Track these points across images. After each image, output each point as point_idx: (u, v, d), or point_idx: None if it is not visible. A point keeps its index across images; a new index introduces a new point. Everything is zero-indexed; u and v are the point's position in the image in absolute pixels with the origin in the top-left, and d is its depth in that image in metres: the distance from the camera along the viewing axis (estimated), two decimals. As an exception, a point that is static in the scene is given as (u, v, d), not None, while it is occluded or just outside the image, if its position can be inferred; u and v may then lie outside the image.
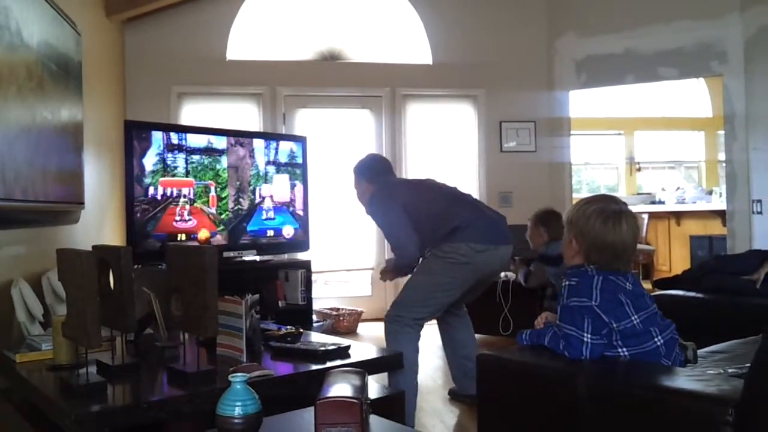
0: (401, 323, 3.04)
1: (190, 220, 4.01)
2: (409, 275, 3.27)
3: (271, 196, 4.46)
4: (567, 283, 1.89)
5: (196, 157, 4.08)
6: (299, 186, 4.63)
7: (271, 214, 4.46)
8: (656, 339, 1.82)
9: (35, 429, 2.07)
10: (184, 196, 3.99)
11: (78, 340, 2.02)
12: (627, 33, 5.95)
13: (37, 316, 2.89)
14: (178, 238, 3.94)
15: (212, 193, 4.16)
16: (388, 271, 3.38)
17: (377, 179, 3.41)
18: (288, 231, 4.54)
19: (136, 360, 2.31)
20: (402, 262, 3.27)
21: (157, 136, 3.91)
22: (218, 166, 4.18)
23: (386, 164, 3.58)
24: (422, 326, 3.11)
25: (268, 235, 4.44)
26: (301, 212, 4.64)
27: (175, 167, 3.97)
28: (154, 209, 3.85)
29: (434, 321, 3.53)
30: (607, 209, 1.93)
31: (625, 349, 1.81)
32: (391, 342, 3.02)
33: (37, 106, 3.05)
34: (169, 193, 3.92)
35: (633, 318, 1.82)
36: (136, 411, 1.88)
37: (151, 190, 3.85)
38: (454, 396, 3.53)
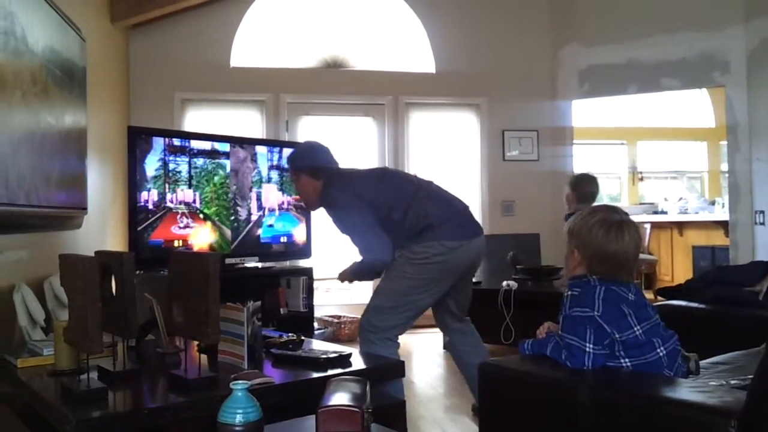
0: (377, 335, 2.83)
1: (192, 227, 4.01)
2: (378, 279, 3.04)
3: (274, 203, 4.47)
4: (569, 293, 1.89)
5: (199, 163, 4.08)
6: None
7: (274, 220, 4.46)
8: (659, 350, 1.81)
9: (35, 435, 2.07)
10: (186, 203, 3.99)
11: (79, 346, 2.02)
12: (629, 43, 5.97)
13: (39, 321, 2.89)
14: (175, 245, 3.93)
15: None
16: (347, 273, 3.09)
17: (322, 172, 3.04)
18: (288, 238, 4.54)
19: (138, 366, 2.31)
20: (367, 267, 3.00)
21: (161, 143, 3.91)
22: (221, 173, 4.19)
23: (328, 152, 3.16)
24: (399, 335, 2.90)
25: (268, 242, 4.44)
26: (303, 219, 4.63)
27: (178, 173, 3.98)
28: (156, 215, 3.86)
29: (437, 330, 3.45)
30: (609, 219, 1.93)
31: (627, 360, 1.81)
32: (366, 350, 2.82)
33: (42, 111, 3.06)
34: (170, 200, 3.92)
35: (635, 329, 1.81)
36: (137, 417, 1.88)
37: (154, 196, 3.85)
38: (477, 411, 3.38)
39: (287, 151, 4.59)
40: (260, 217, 4.37)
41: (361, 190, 2.94)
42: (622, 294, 1.86)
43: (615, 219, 1.93)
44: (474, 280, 3.27)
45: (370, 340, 2.84)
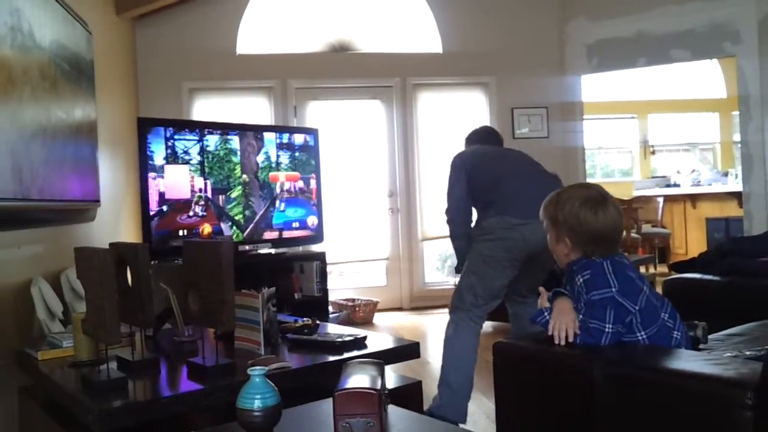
0: (460, 314, 2.93)
1: (203, 215, 4.04)
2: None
3: (289, 188, 4.49)
4: (581, 279, 1.86)
5: (210, 150, 4.10)
6: (313, 179, 4.65)
7: (284, 206, 4.48)
8: (662, 314, 1.85)
9: (59, 425, 2.10)
10: (201, 190, 4.02)
11: (98, 337, 2.05)
12: (638, 15, 5.90)
13: (57, 314, 2.93)
14: (180, 234, 3.96)
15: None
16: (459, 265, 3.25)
17: (468, 145, 3.45)
18: (300, 223, 4.56)
19: (156, 355, 2.34)
20: (451, 232, 3.20)
21: (171, 132, 3.93)
22: (232, 160, 4.20)
23: (484, 133, 3.52)
24: (483, 317, 2.97)
25: (294, 226, 4.48)
26: (315, 204, 4.65)
27: (189, 161, 4.00)
28: (168, 206, 3.88)
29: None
30: (590, 198, 1.90)
31: (643, 333, 1.82)
32: (449, 335, 2.93)
33: (51, 106, 3.08)
34: (182, 190, 3.94)
35: (644, 288, 1.84)
36: (157, 405, 1.91)
37: (164, 187, 3.87)
38: None
39: (296, 137, 4.62)
40: (272, 204, 4.39)
41: (466, 160, 3.18)
42: (624, 262, 1.89)
43: (594, 196, 1.91)
44: None
45: (454, 320, 2.96)
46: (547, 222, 2.00)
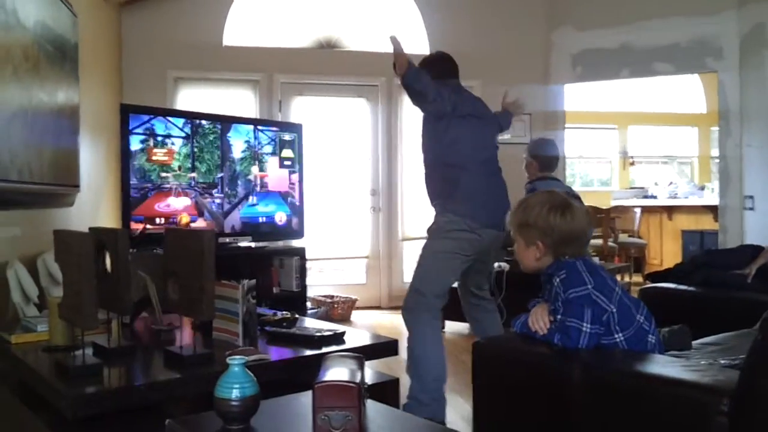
0: (420, 304, 2.89)
1: (186, 204, 4.01)
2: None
3: (265, 183, 4.47)
4: (558, 279, 1.89)
5: (192, 141, 4.07)
6: (295, 174, 4.63)
7: (257, 200, 4.46)
8: (638, 316, 1.88)
9: (31, 410, 2.07)
10: (179, 181, 3.98)
11: (74, 322, 2.02)
12: (623, 28, 5.96)
13: (33, 298, 2.89)
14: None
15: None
16: (401, 51, 3.25)
17: (441, 80, 3.21)
18: (280, 217, 4.54)
19: (132, 343, 2.31)
20: (415, 82, 3.18)
21: (154, 120, 3.90)
22: (215, 152, 4.18)
23: (455, 66, 3.45)
24: (442, 305, 2.97)
25: (260, 221, 4.43)
26: (296, 199, 4.64)
27: (171, 149, 3.96)
28: (147, 192, 3.85)
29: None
30: (556, 202, 1.98)
31: (621, 335, 1.84)
32: (411, 326, 2.90)
33: (34, 87, 3.03)
34: (163, 177, 3.91)
35: (616, 288, 1.88)
36: (132, 393, 1.89)
37: (146, 174, 3.84)
38: None
39: (281, 131, 4.60)
40: (246, 196, 4.36)
41: (454, 107, 3.11)
42: (593, 262, 1.95)
43: (560, 200, 1.99)
44: None
45: (415, 309, 2.90)
46: (515, 228, 2.06)
